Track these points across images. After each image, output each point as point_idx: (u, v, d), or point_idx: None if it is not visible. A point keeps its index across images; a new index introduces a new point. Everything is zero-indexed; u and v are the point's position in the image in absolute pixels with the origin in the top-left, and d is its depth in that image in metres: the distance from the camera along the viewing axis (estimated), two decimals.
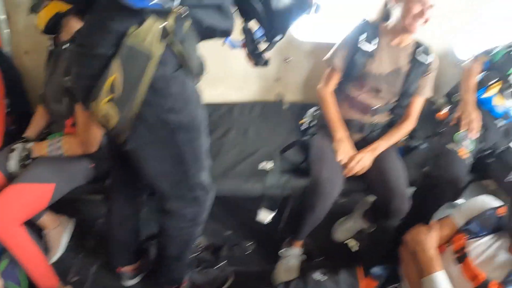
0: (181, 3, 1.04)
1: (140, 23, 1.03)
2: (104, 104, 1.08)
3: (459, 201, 2.38)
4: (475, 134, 2.00)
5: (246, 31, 1.29)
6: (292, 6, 1.21)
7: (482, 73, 2.19)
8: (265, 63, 1.33)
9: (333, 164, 1.84)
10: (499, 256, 1.44)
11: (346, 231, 2.25)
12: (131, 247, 1.88)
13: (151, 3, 1.00)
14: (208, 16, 1.13)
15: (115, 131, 1.17)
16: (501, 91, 2.13)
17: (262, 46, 1.31)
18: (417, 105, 2.00)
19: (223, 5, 1.14)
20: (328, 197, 1.77)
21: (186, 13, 1.06)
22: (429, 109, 2.55)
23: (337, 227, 2.28)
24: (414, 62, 1.92)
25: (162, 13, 1.03)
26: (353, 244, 2.21)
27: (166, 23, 1.04)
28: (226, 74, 2.51)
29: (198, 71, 1.26)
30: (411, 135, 2.15)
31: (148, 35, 1.03)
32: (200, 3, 1.09)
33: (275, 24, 1.23)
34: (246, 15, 1.26)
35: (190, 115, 1.24)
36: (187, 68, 1.15)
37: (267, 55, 1.33)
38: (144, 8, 1.00)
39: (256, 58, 1.32)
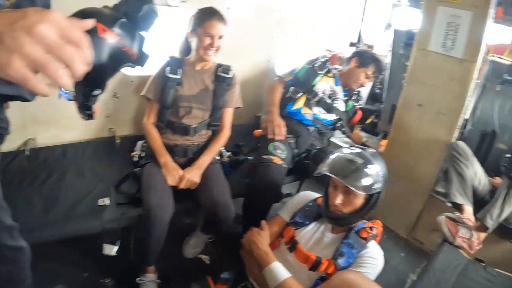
0: None
1: None
2: None
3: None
4: (281, 137, 2.36)
5: (75, 84, 1.25)
6: (105, 63, 1.12)
7: (290, 89, 2.57)
8: (90, 116, 1.29)
9: (162, 190, 1.95)
10: (325, 237, 1.70)
11: (194, 247, 2.35)
12: None
13: None
14: None
15: None
16: (306, 101, 2.54)
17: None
18: (228, 116, 2.27)
19: None
20: (160, 222, 1.86)
21: None
22: (256, 124, 2.87)
23: (185, 245, 2.35)
24: (218, 80, 2.19)
25: None
26: (205, 257, 2.31)
27: None
28: (57, 115, 2.43)
29: None
30: (238, 151, 2.44)
31: None
32: None
33: (89, 79, 1.21)
34: None
35: None
36: None
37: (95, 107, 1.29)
38: None
39: (83, 110, 1.29)
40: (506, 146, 2.69)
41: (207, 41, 2.03)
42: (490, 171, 2.61)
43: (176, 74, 2.12)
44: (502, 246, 2.43)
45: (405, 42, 3.22)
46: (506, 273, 2.07)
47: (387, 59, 3.49)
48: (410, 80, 2.66)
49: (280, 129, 2.38)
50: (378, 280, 1.59)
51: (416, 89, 2.60)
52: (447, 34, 2.42)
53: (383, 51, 3.62)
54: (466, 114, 2.66)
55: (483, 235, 2.27)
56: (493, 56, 2.83)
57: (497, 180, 2.55)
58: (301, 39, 3.10)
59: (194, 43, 2.10)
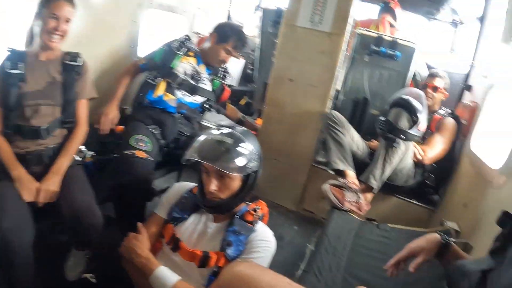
0: None
1: None
2: None
3: None
4: (104, 131, 2.27)
5: None
6: None
7: (148, 76, 2.42)
8: None
9: (16, 209, 1.68)
10: (208, 228, 1.59)
11: (75, 266, 2.07)
12: None
13: None
14: None
15: None
16: (168, 87, 2.40)
17: None
18: (82, 109, 2.05)
19: None
20: (19, 247, 1.62)
21: None
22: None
23: (66, 266, 2.07)
24: (66, 69, 1.97)
25: None
26: (90, 276, 2.09)
27: None
28: None
29: None
30: (103, 149, 2.21)
31: None
32: None
33: None
34: None
35: None
36: None
37: None
38: None
39: None
40: (378, 111, 2.86)
41: (52, 23, 1.83)
42: (366, 135, 2.78)
43: (17, 68, 1.85)
44: (389, 202, 2.63)
45: (274, 20, 3.30)
46: (399, 226, 2.20)
47: (256, 40, 3.53)
48: (279, 56, 2.71)
49: (106, 122, 2.28)
50: (276, 258, 1.56)
51: (286, 65, 2.67)
52: (315, 10, 2.52)
53: (253, 32, 3.66)
54: (338, 85, 2.79)
55: (369, 195, 2.40)
56: (360, 29, 2.99)
57: (374, 143, 2.72)
58: (166, 23, 2.95)
59: (38, 27, 1.88)
